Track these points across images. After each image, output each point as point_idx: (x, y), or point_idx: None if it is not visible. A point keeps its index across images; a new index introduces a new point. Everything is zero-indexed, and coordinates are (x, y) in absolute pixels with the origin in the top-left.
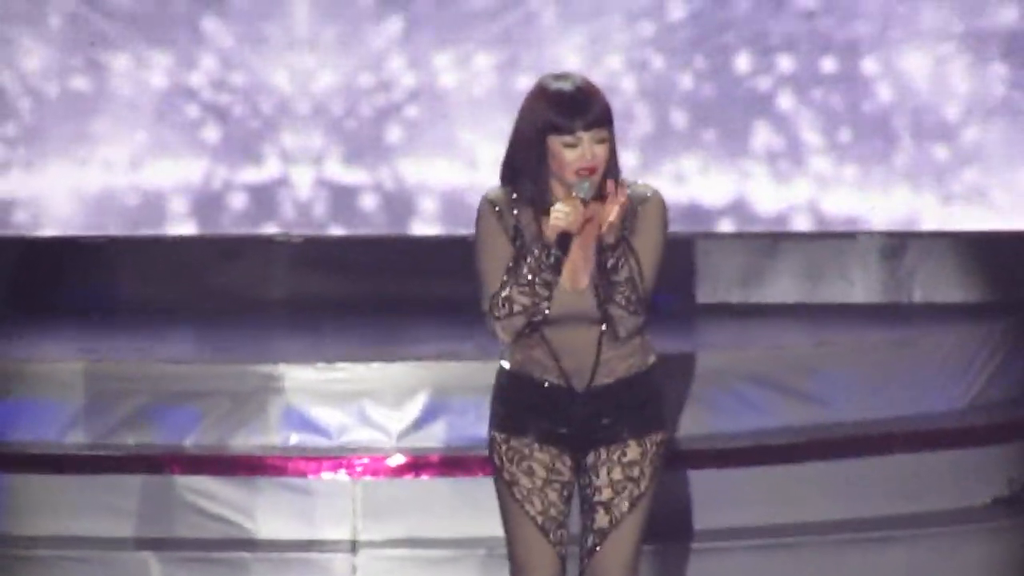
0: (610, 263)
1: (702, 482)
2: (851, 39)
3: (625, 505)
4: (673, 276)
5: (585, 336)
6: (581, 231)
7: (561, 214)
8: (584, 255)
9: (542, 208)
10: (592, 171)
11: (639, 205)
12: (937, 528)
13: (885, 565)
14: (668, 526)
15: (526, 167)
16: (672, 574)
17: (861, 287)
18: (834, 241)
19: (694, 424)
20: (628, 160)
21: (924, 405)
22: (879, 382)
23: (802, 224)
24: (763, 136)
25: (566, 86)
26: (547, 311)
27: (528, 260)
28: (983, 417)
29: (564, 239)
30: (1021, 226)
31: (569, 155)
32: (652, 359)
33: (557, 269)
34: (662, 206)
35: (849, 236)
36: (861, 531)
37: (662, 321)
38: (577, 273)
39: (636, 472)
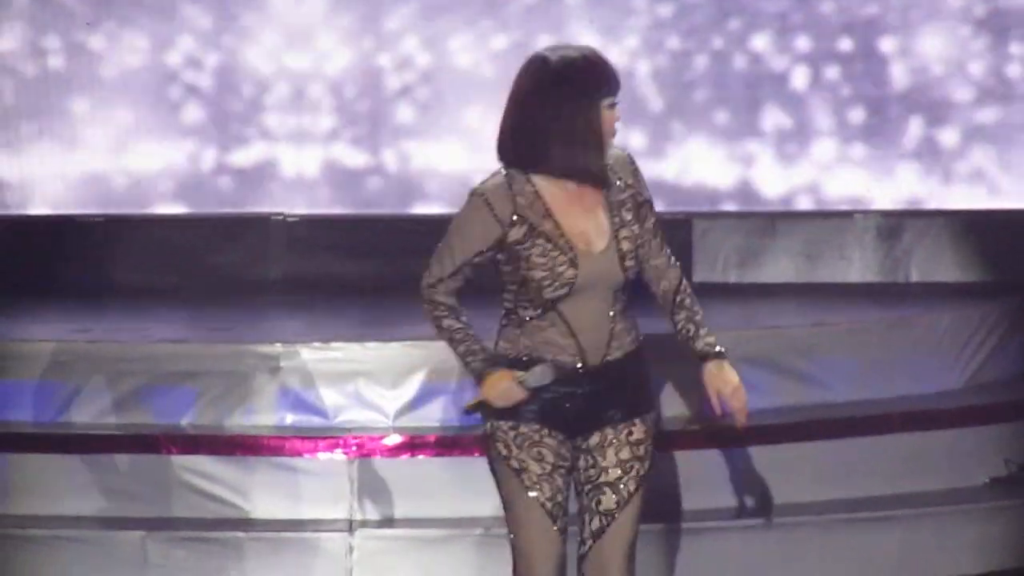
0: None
1: (699, 463)
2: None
3: (632, 485)
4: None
5: (600, 308)
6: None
7: (505, 397)
8: (595, 223)
9: (588, 175)
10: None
11: (632, 164)
12: (933, 508)
13: (881, 545)
14: (666, 507)
15: (578, 138)
16: (669, 555)
17: (858, 267)
18: (832, 221)
19: (691, 405)
20: (636, 140)
21: (921, 385)
22: (876, 362)
23: (801, 204)
24: (770, 117)
25: (587, 52)
26: (573, 281)
27: (460, 350)
28: (979, 397)
29: (479, 406)
30: (1018, 206)
31: (610, 117)
32: (641, 337)
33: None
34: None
35: (847, 216)
36: (857, 511)
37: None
38: (591, 237)
39: (642, 451)
